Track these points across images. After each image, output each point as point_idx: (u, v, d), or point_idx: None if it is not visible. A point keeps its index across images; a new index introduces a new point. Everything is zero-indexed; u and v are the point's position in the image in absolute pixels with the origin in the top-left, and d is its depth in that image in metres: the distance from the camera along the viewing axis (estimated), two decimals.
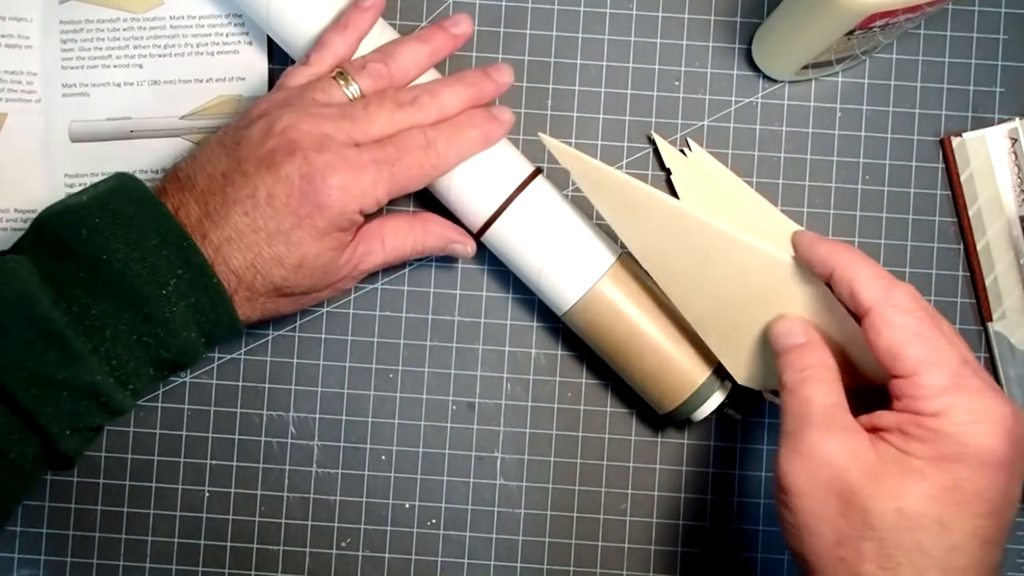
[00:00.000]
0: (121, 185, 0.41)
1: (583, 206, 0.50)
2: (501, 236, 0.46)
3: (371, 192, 0.42)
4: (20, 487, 0.40)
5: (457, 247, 0.47)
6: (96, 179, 0.42)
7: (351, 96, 0.44)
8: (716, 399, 0.46)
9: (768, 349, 0.43)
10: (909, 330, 0.36)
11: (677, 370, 0.46)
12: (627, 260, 0.47)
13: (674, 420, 0.47)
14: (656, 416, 0.50)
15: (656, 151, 0.51)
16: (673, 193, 0.50)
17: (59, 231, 0.39)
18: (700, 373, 0.46)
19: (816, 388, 0.39)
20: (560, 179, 0.51)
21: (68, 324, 0.38)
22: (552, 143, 0.45)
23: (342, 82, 0.44)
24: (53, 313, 0.37)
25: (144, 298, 0.39)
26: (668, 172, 0.50)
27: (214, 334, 0.42)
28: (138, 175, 0.50)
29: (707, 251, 0.43)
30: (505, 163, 0.46)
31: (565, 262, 0.46)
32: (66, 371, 0.38)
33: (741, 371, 0.46)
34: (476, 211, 0.46)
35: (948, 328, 0.38)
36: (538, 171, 0.47)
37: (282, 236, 0.41)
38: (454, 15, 0.47)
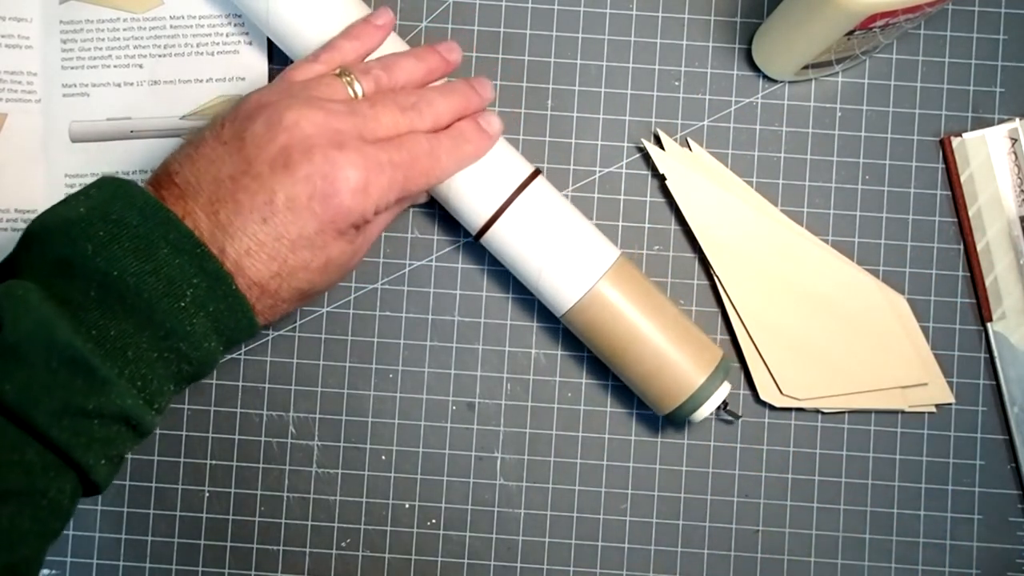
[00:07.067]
0: (119, 191, 0.38)
1: (583, 207, 0.50)
2: (501, 237, 0.46)
3: (386, 194, 0.41)
4: (59, 525, 0.37)
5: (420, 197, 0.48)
6: (97, 179, 0.40)
7: (354, 94, 0.43)
8: (716, 400, 0.46)
9: (827, 360, 0.49)
10: None
11: (676, 371, 0.46)
12: (626, 261, 0.47)
13: (674, 421, 0.47)
14: (656, 416, 0.51)
15: (648, 156, 0.51)
16: (669, 200, 0.50)
17: (60, 248, 0.37)
18: (699, 374, 0.46)
19: None
20: (560, 180, 0.51)
21: (92, 349, 0.35)
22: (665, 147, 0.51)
23: (346, 79, 0.43)
24: (75, 339, 0.35)
25: (162, 312, 0.37)
26: (662, 178, 0.50)
27: (232, 339, 0.40)
28: (137, 175, 0.50)
29: (796, 266, 0.50)
30: (505, 164, 0.46)
31: (564, 263, 0.46)
32: (96, 399, 0.36)
33: (792, 380, 0.50)
34: (476, 213, 0.46)
35: None
36: (537, 172, 0.47)
37: (305, 241, 0.40)
38: (447, 42, 0.47)
